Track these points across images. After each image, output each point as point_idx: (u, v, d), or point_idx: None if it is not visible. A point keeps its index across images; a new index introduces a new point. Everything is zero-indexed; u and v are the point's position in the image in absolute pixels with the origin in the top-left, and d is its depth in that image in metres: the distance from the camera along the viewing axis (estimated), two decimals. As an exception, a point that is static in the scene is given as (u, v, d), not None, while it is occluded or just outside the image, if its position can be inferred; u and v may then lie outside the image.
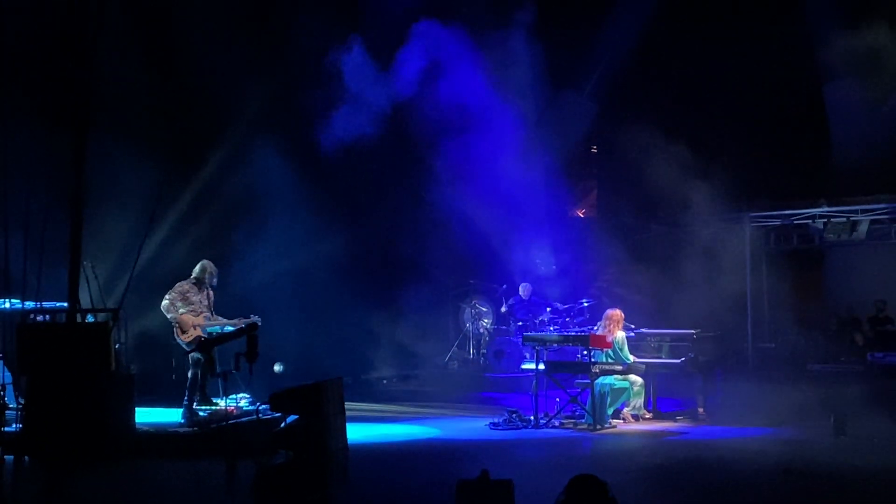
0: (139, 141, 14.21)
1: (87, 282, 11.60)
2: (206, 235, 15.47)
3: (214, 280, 11.94)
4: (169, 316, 11.54)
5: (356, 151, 16.83)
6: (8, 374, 11.06)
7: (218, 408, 11.05)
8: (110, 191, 13.51)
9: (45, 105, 11.89)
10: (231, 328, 11.55)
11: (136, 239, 11.82)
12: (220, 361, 11.64)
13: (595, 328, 13.24)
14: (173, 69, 15.32)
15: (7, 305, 11.40)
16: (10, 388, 10.78)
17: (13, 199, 10.44)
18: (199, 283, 11.78)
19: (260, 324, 11.58)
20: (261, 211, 16.54)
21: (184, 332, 11.44)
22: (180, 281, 11.78)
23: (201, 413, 11.29)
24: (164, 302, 11.54)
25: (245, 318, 11.59)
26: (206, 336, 11.47)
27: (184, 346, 11.52)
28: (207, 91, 15.37)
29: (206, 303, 11.74)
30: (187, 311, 11.50)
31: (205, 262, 11.93)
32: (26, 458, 9.72)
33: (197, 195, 15.72)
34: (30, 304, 11.15)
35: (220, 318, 11.75)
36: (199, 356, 11.42)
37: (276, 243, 16.35)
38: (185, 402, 11.33)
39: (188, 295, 11.60)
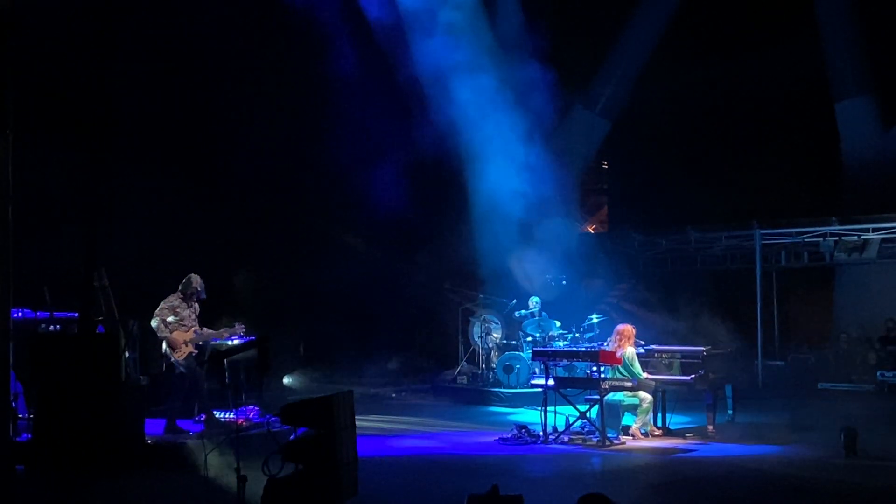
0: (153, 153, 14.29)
1: (99, 292, 11.58)
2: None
3: (203, 294, 11.69)
4: (160, 335, 11.39)
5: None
6: (19, 384, 11.06)
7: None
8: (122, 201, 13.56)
9: (62, 117, 11.94)
10: (236, 340, 11.54)
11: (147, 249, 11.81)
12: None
13: (605, 344, 13.21)
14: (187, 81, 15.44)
15: (19, 315, 11.41)
16: (21, 398, 10.79)
17: (26, 207, 10.48)
18: (187, 297, 11.56)
19: (243, 331, 11.57)
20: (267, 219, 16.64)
21: (175, 349, 11.31)
22: (168, 296, 11.55)
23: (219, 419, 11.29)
24: (155, 321, 11.36)
25: (229, 326, 11.58)
26: (196, 351, 11.42)
27: (176, 363, 11.37)
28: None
29: (193, 316, 11.58)
30: (178, 327, 11.36)
31: (192, 275, 11.67)
32: (37, 468, 9.74)
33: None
34: (42, 315, 11.18)
35: (206, 329, 11.62)
36: (183, 371, 11.35)
37: (284, 260, 16.40)
38: (202, 417, 11.34)
39: (178, 310, 11.41)
